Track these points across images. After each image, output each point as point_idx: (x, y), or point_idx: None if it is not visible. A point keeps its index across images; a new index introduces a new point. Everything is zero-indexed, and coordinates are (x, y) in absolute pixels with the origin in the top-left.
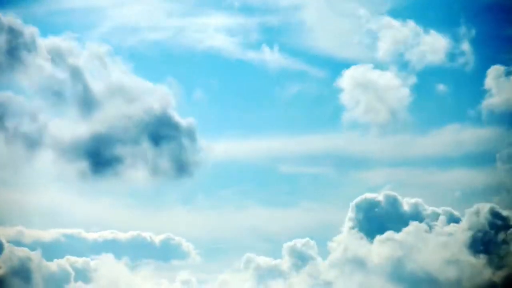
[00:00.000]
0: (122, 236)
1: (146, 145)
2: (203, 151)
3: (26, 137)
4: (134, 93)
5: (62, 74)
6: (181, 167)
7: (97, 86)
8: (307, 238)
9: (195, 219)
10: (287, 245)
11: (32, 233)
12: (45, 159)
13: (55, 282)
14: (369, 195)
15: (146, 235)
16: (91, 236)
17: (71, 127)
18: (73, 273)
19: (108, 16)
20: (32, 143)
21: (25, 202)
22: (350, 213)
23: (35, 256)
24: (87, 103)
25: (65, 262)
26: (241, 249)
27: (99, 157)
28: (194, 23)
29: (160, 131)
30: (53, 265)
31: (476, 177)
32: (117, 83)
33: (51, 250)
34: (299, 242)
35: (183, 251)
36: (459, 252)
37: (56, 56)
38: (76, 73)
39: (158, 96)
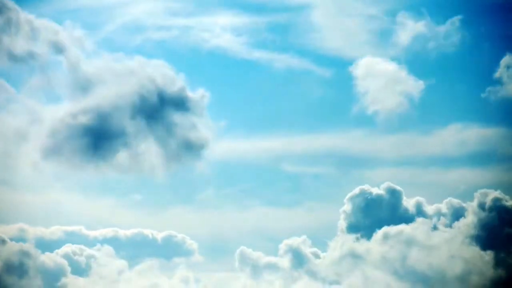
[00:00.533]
0: (123, 233)
1: (149, 125)
2: (211, 129)
3: (18, 128)
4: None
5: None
6: (189, 146)
7: (90, 69)
8: (304, 236)
9: (198, 218)
10: (286, 243)
11: (34, 231)
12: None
13: (53, 276)
14: (366, 188)
15: (148, 232)
16: (93, 233)
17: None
18: (69, 269)
19: (113, 15)
20: (24, 134)
21: (30, 201)
22: (347, 207)
23: (34, 251)
24: (82, 87)
25: (64, 257)
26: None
27: (100, 139)
28: (200, 22)
29: (165, 107)
30: (51, 260)
31: (480, 176)
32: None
33: (51, 246)
34: (300, 241)
35: (184, 249)
36: (461, 247)
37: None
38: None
39: (160, 72)
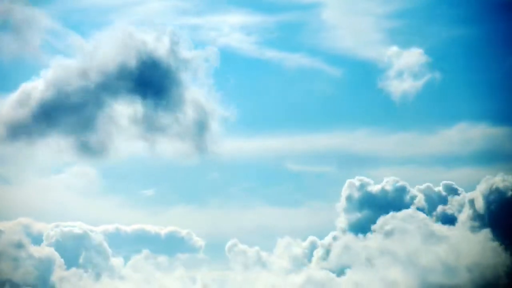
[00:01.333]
0: (124, 229)
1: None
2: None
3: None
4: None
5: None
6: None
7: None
8: (303, 235)
9: (201, 217)
10: (284, 241)
11: (37, 226)
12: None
13: (45, 267)
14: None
15: (150, 228)
16: (93, 228)
17: None
18: (62, 261)
19: (122, 14)
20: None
21: (39, 199)
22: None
23: (30, 243)
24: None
25: (58, 250)
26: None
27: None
28: (210, 21)
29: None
30: (46, 252)
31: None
32: None
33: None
34: (299, 240)
35: (188, 246)
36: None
37: None
38: None
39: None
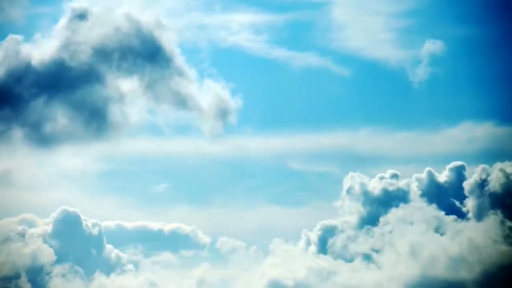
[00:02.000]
0: (126, 225)
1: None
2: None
3: None
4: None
5: None
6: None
7: None
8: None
9: (204, 216)
10: (284, 240)
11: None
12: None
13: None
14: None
15: (153, 226)
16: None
17: None
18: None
19: None
20: None
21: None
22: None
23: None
24: None
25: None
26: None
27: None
28: (218, 20)
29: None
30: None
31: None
32: None
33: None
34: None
35: (191, 245)
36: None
37: None
38: None
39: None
